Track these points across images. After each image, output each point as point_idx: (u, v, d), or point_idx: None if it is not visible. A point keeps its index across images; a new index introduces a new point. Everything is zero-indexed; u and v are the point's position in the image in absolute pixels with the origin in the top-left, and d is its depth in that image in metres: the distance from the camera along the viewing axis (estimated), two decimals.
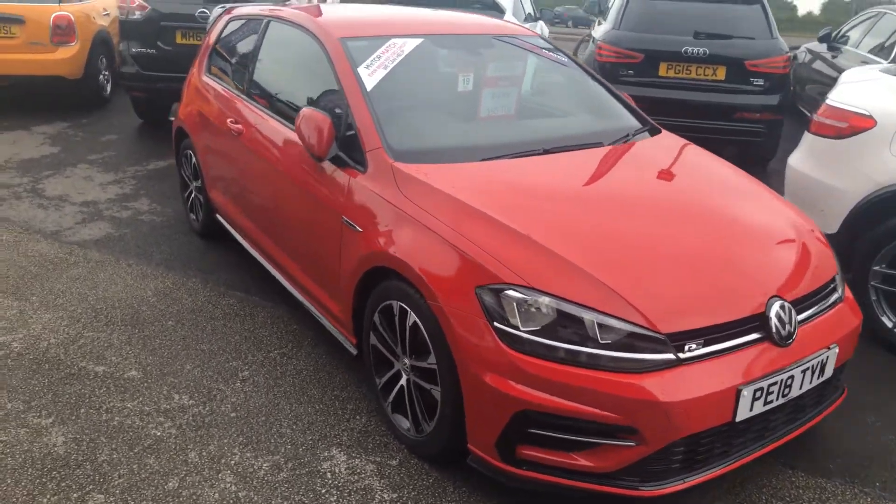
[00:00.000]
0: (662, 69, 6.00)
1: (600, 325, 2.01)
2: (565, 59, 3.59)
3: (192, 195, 4.56)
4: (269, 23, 3.68)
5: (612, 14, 6.56)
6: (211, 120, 3.98)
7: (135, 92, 6.43)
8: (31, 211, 4.89)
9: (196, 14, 6.11)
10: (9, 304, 3.55)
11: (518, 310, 2.05)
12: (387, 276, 2.50)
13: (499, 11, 6.63)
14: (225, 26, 4.25)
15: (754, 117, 5.90)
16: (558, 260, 2.13)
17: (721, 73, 5.92)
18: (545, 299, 2.04)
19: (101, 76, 7.78)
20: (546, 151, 2.82)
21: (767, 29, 6.04)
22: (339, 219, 2.69)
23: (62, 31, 7.04)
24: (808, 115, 7.08)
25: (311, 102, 3.19)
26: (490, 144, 2.84)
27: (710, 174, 2.95)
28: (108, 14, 8.08)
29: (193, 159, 4.38)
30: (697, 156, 3.10)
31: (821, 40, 7.82)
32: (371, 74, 2.93)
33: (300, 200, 2.98)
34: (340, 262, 2.72)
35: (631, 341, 2.01)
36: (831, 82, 7.17)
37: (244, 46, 3.96)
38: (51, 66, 7.10)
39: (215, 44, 4.30)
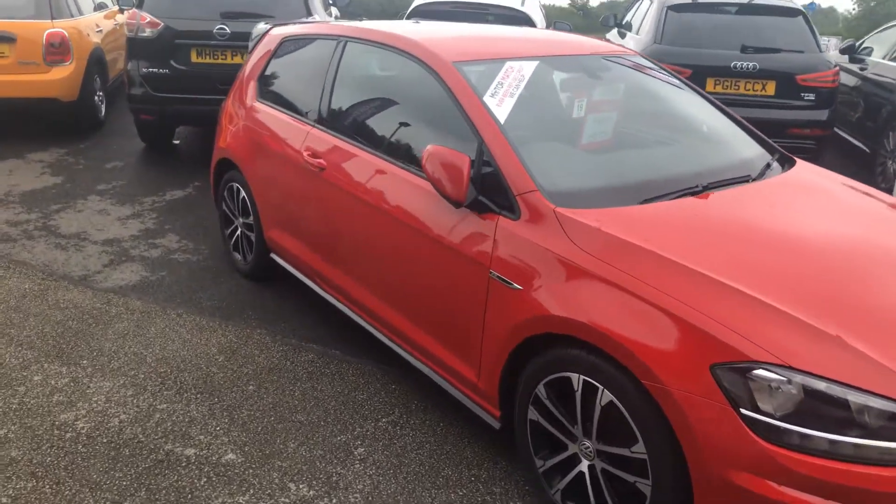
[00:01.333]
0: (710, 84, 5.77)
1: (869, 409, 1.69)
2: (676, 81, 3.29)
3: (239, 233, 4.12)
4: (345, 44, 3.29)
5: (647, 28, 6.32)
6: (272, 151, 3.56)
7: (144, 115, 5.93)
8: (50, 252, 4.38)
9: (214, 31, 5.66)
10: (57, 371, 3.07)
11: (771, 393, 1.71)
12: (555, 342, 2.14)
13: (531, 24, 6.34)
14: (279, 46, 3.84)
15: (805, 133, 5.71)
16: (804, 328, 1.81)
17: (771, 89, 5.72)
18: (803, 379, 1.71)
19: (97, 97, 7.22)
20: (704, 189, 2.50)
21: (814, 42, 5.87)
22: (485, 273, 2.32)
23: (56, 50, 6.48)
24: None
25: (420, 135, 2.82)
26: (644, 181, 2.51)
27: (881, 210, 2.67)
28: (100, 31, 7.53)
29: (242, 193, 3.95)
30: (857, 189, 2.83)
31: (843, 52, 7.72)
32: (499, 104, 2.58)
33: (420, 249, 2.60)
34: (484, 323, 2.35)
35: None
36: (859, 96, 7.07)
37: (313, 69, 3.55)
38: (44, 88, 6.53)
39: (267, 65, 3.89)
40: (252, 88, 3.92)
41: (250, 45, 4.26)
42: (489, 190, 2.39)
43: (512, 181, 2.34)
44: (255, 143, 3.73)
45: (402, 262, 2.72)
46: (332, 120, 3.24)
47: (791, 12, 6.05)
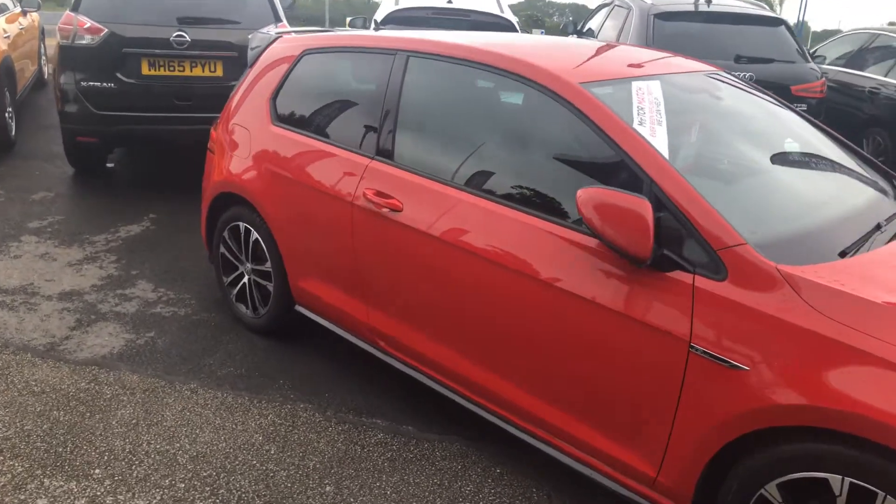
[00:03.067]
0: None
1: None
2: (777, 101, 2.97)
3: (246, 281, 3.44)
4: (407, 59, 2.72)
5: (631, 37, 6.08)
6: (306, 186, 2.93)
7: (83, 137, 5.01)
8: None
9: (171, 38, 4.86)
10: (66, 489, 2.33)
11: None
12: (793, 433, 1.73)
13: (514, 31, 5.95)
14: (298, 60, 3.21)
15: None
16: None
17: None
18: None
19: (6, 114, 6.15)
20: (878, 228, 2.17)
21: (801, 52, 5.84)
22: (682, 348, 1.87)
23: None
24: None
25: (550, 174, 2.33)
26: (828, 222, 2.15)
27: None
28: (7, 36, 6.44)
29: (254, 235, 3.28)
30: None
31: None
32: (653, 135, 2.14)
33: (569, 315, 2.10)
34: (678, 408, 1.90)
35: None
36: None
37: (359, 89, 2.97)
38: None
39: (284, 83, 3.23)
40: (265, 110, 3.26)
41: (249, 56, 3.59)
42: (670, 242, 1.95)
43: (707, 231, 1.90)
44: (278, 177, 3.09)
45: (535, 330, 2.21)
46: (405, 153, 2.66)
47: (774, 22, 6.00)
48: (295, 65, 3.23)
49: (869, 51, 7.11)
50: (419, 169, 2.59)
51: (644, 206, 1.87)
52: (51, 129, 7.30)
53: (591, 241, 2.05)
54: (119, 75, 4.85)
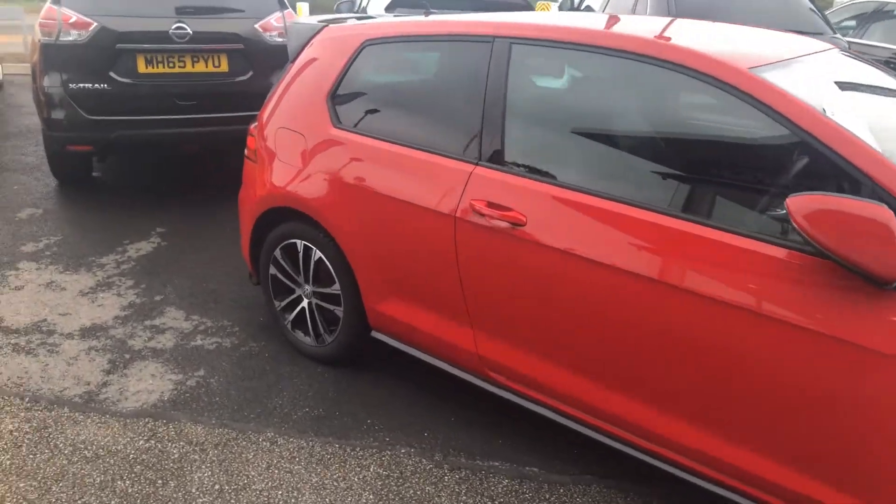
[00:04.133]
0: None
1: None
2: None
3: (305, 305, 3.04)
4: (510, 47, 2.35)
5: (652, 6, 5.78)
6: (390, 198, 2.55)
7: (76, 146, 4.46)
8: (12, 362, 3.02)
9: (170, 31, 4.35)
10: None
11: None
12: None
13: (530, 9, 5.59)
14: (358, 53, 2.79)
15: None
16: None
17: None
18: None
19: None
20: None
21: (827, 23, 5.63)
22: None
23: None
24: None
25: (725, 179, 2.00)
26: None
27: None
28: None
29: (316, 254, 2.88)
30: None
31: None
32: (851, 124, 1.83)
33: (779, 346, 1.79)
34: None
35: None
36: None
37: (446, 84, 2.58)
38: None
39: (342, 79, 2.81)
40: (322, 111, 2.84)
41: (290, 49, 3.15)
42: None
43: None
44: (348, 188, 2.69)
45: (727, 365, 1.89)
46: (520, 157, 2.29)
47: None
48: (354, 58, 2.81)
49: (875, 18, 7.00)
50: (541, 175, 2.24)
51: (886, 215, 1.57)
52: (18, 137, 6.65)
53: (799, 257, 1.74)
54: (113, 75, 4.32)
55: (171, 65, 4.40)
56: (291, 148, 2.93)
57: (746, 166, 2.00)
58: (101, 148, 4.48)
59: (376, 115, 2.76)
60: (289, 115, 2.99)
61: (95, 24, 4.24)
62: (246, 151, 3.22)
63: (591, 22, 2.34)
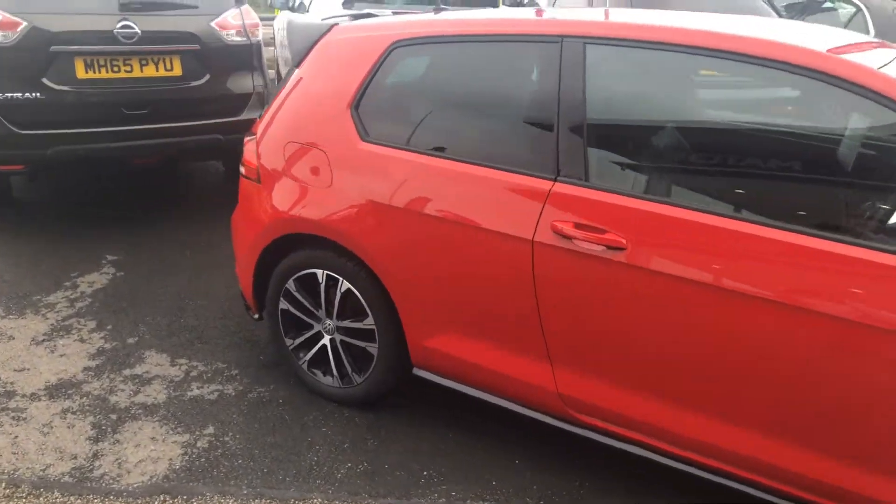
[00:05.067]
0: None
1: None
2: None
3: (327, 342, 2.68)
4: (584, 48, 2.09)
5: None
6: (445, 221, 2.24)
7: (4, 166, 3.80)
8: None
9: (115, 31, 3.78)
10: None
11: None
12: None
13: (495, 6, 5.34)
14: (386, 56, 2.44)
15: None
16: None
17: None
18: None
19: None
20: None
21: (771, 7, 5.72)
22: None
23: None
24: None
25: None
26: None
27: None
28: None
29: (344, 285, 2.52)
30: None
31: None
32: None
33: None
34: None
35: None
36: None
37: (499, 91, 2.27)
38: None
39: (367, 87, 2.45)
40: (345, 123, 2.48)
41: (293, 52, 2.75)
42: None
43: None
44: (388, 211, 2.34)
45: (878, 399, 1.73)
46: (607, 171, 2.04)
47: None
48: (381, 63, 2.47)
49: (809, 11, 7.25)
50: (638, 191, 2.00)
51: None
52: None
53: None
54: (47, 82, 3.72)
55: (115, 69, 3.85)
56: (307, 165, 2.55)
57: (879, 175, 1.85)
58: (35, 167, 3.85)
59: (415, 127, 2.43)
60: (300, 127, 2.61)
61: (25, 23, 3.62)
62: (243, 170, 2.80)
63: (675, 22, 2.12)
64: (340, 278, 2.55)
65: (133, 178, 5.27)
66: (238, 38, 4.20)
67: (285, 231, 2.61)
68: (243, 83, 4.28)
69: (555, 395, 2.21)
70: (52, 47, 3.69)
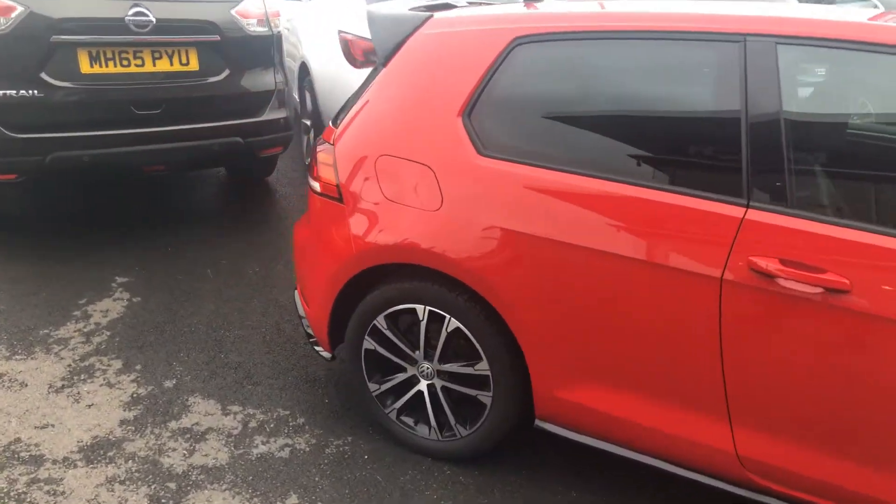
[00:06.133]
0: None
1: None
2: None
3: (428, 389, 2.29)
4: (776, 48, 1.74)
5: None
6: (597, 252, 1.87)
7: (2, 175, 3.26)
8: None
9: (126, 18, 3.26)
10: None
11: None
12: None
13: None
14: (507, 55, 2.05)
15: None
16: None
17: None
18: None
19: None
20: None
21: None
22: None
23: None
24: None
25: None
26: None
27: None
28: None
29: (451, 323, 2.14)
30: None
31: None
32: None
33: None
34: None
35: None
36: None
37: (660, 98, 1.92)
38: None
39: (483, 89, 2.05)
40: (457, 134, 2.08)
41: (378, 45, 2.33)
42: None
43: None
44: (522, 239, 1.96)
45: None
46: (815, 196, 1.71)
47: None
48: (500, 62, 2.08)
49: None
50: (857, 221, 1.68)
51: None
52: None
53: None
54: (46, 77, 3.18)
55: (124, 62, 3.33)
56: (408, 184, 2.15)
57: None
58: (32, 176, 3.30)
59: (546, 140, 2.05)
60: (396, 138, 2.20)
61: (21, 8, 3.07)
62: (317, 186, 2.37)
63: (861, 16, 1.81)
64: (447, 316, 2.16)
65: (125, 188, 4.71)
66: (260, 29, 3.73)
67: (379, 261, 2.21)
68: (264, 80, 3.81)
69: (732, 456, 1.88)
70: (53, 37, 3.15)
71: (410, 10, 2.36)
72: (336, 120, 2.44)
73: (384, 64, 2.30)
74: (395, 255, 2.18)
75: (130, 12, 3.25)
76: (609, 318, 1.93)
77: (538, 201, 1.98)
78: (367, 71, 4.32)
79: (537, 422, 2.19)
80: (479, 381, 2.21)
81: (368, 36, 4.41)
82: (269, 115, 3.82)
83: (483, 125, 2.09)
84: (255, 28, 3.69)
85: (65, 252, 3.68)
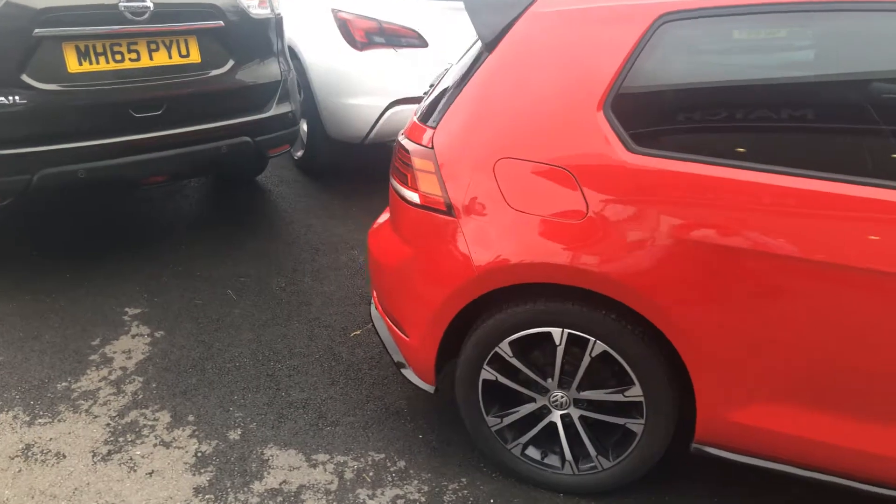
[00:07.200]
0: None
1: None
2: None
3: (561, 419, 2.02)
4: None
5: None
6: (790, 262, 1.64)
7: None
8: None
9: (120, 5, 2.75)
10: None
11: None
12: None
13: None
14: (650, 35, 1.77)
15: None
16: None
17: None
18: None
19: None
20: None
21: None
22: None
23: None
24: None
25: None
26: None
27: None
28: None
29: (597, 347, 1.87)
30: None
31: None
32: None
33: None
34: None
35: None
36: None
37: (861, 80, 1.68)
38: None
39: (625, 75, 1.76)
40: (598, 128, 1.78)
41: (480, 27, 1.99)
42: None
43: None
44: (695, 249, 1.71)
45: None
46: None
47: None
48: (644, 44, 1.79)
49: None
50: None
51: None
52: None
53: None
54: (28, 79, 2.65)
55: (117, 57, 2.82)
56: (542, 191, 1.84)
57: None
58: (17, 199, 2.77)
59: (710, 130, 1.79)
60: (518, 137, 1.88)
61: None
62: (414, 197, 2.03)
63: None
64: (592, 339, 1.89)
65: (103, 203, 4.14)
66: (262, 11, 3.28)
67: (508, 282, 1.90)
68: (270, 69, 3.37)
69: None
70: (36, 30, 2.62)
71: None
72: (426, 117, 2.10)
73: (490, 49, 1.97)
74: (530, 275, 1.88)
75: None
76: (797, 329, 1.71)
77: (709, 202, 1.72)
78: (372, 55, 3.94)
79: (694, 445, 1.97)
80: (628, 408, 1.96)
81: (369, 14, 4.06)
82: (276, 109, 3.39)
83: (630, 118, 1.80)
84: (256, 10, 3.24)
85: (57, 284, 3.16)
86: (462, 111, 1.98)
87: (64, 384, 2.51)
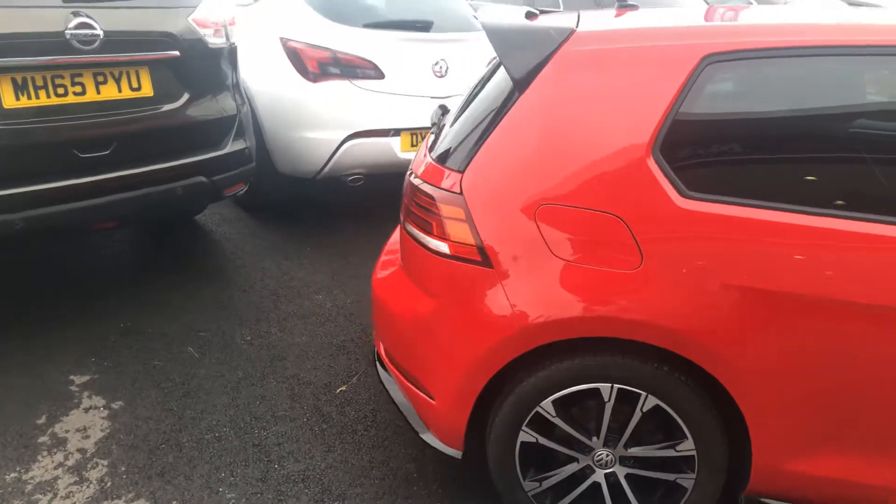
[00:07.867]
0: None
1: None
2: None
3: (605, 477, 1.89)
4: None
5: None
6: (866, 310, 1.60)
7: None
8: None
9: (66, 32, 2.41)
10: None
11: None
12: None
13: None
14: (696, 76, 1.69)
15: None
16: None
17: None
18: None
19: None
20: None
21: None
22: None
23: None
24: None
25: None
26: None
27: None
28: None
29: (647, 402, 1.76)
30: None
31: None
32: None
33: None
34: None
35: None
36: None
37: None
38: None
39: (672, 117, 1.68)
40: (649, 173, 1.68)
41: (509, 65, 1.85)
42: None
43: None
44: (755, 297, 1.63)
45: None
46: None
47: None
48: (692, 83, 1.72)
49: None
50: None
51: None
52: None
53: None
54: None
55: (60, 90, 2.47)
56: (588, 239, 1.73)
57: None
58: None
59: (764, 173, 1.74)
60: (561, 182, 1.76)
61: None
62: (443, 247, 1.86)
63: None
64: (643, 393, 1.78)
65: (20, 251, 3.66)
66: (217, 40, 3.01)
67: (556, 337, 1.76)
68: (226, 103, 3.09)
69: None
70: None
71: (553, 27, 1.91)
72: (444, 158, 1.94)
73: (521, 88, 1.85)
74: (582, 329, 1.75)
75: (72, 24, 2.41)
76: (860, 375, 1.67)
77: (767, 247, 1.66)
78: (326, 86, 3.73)
79: (744, 497, 1.90)
80: (678, 463, 1.86)
81: (321, 43, 3.84)
82: (232, 145, 3.12)
83: (680, 162, 1.72)
84: (212, 39, 2.96)
85: None
86: (495, 154, 1.84)
87: (13, 475, 2.12)
